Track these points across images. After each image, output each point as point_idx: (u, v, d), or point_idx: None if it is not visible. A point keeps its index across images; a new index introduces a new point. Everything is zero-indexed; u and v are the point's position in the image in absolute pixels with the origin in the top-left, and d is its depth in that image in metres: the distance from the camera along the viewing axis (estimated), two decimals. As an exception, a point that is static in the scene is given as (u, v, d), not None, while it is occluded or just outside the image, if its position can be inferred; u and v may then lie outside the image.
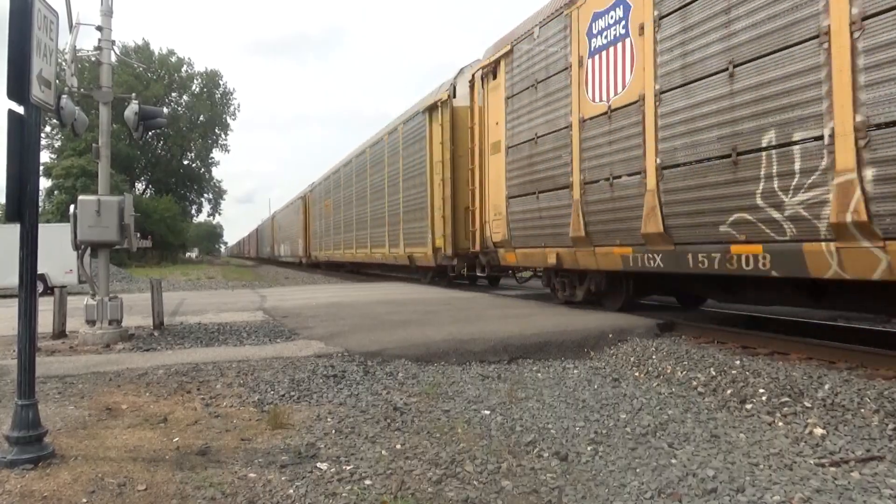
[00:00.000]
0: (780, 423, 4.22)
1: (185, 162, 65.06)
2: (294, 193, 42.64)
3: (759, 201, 5.97)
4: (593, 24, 8.33)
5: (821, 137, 5.39)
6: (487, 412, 4.56)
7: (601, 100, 8.18)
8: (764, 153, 5.91)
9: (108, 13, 7.70)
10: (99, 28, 7.67)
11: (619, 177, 7.84)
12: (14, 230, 3.71)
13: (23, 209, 3.44)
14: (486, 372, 5.92)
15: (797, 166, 5.63)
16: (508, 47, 10.54)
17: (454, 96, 13.73)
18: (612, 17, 7.98)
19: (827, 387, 4.68)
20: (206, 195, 69.33)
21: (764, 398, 4.69)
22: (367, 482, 3.26)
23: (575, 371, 6.01)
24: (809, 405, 4.43)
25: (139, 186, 59.75)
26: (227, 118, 65.40)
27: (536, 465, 3.54)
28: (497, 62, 10.99)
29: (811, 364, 5.54)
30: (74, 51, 7.47)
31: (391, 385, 5.30)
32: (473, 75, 12.16)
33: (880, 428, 3.94)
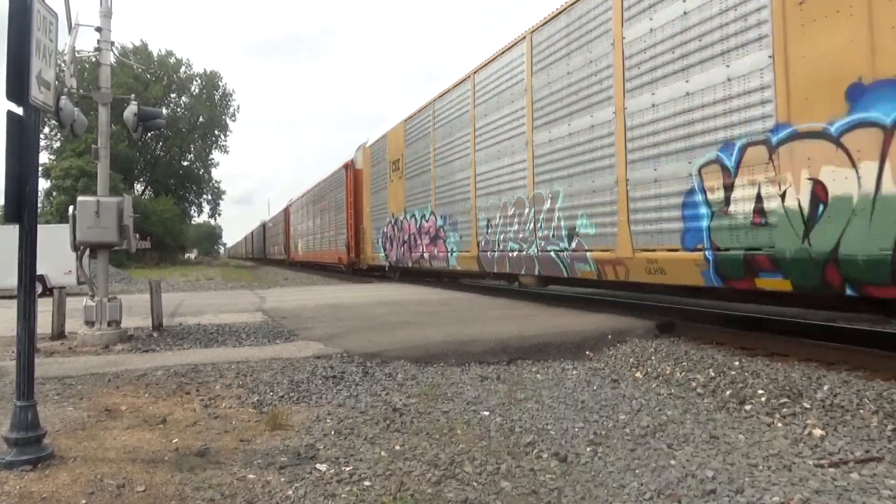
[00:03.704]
0: (780, 424, 4.22)
1: (185, 163, 65.03)
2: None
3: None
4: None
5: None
6: (486, 413, 4.56)
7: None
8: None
9: (107, 14, 7.71)
10: (98, 29, 7.68)
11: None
12: (13, 231, 3.71)
13: (22, 210, 3.44)
14: (486, 373, 5.92)
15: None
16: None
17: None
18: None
19: (826, 388, 4.68)
20: (205, 196, 69.33)
21: (763, 399, 4.69)
22: (367, 483, 3.26)
23: (574, 372, 6.01)
24: (808, 406, 4.43)
25: (138, 187, 59.67)
26: (227, 119, 65.44)
27: (536, 466, 3.55)
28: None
29: (810, 365, 5.54)
30: (74, 52, 7.47)
31: (390, 386, 5.30)
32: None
33: (879, 429, 3.94)
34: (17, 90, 3.44)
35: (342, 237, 23.66)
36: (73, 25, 7.29)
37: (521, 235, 9.98)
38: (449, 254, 13.15)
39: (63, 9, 7.09)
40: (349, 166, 22.69)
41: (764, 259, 5.64)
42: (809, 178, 5.19)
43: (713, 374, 5.40)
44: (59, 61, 4.13)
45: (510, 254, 10.27)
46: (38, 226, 3.64)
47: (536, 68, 9.55)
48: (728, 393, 4.95)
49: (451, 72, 13.35)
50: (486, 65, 11.23)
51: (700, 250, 6.45)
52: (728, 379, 5.22)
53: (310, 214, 31.87)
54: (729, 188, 6.08)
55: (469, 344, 6.63)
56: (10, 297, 13.17)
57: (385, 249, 18.01)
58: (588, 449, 3.81)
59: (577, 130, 8.55)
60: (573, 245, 8.69)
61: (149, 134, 10.33)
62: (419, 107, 14.91)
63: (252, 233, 75.84)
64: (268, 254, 56.09)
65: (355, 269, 23.36)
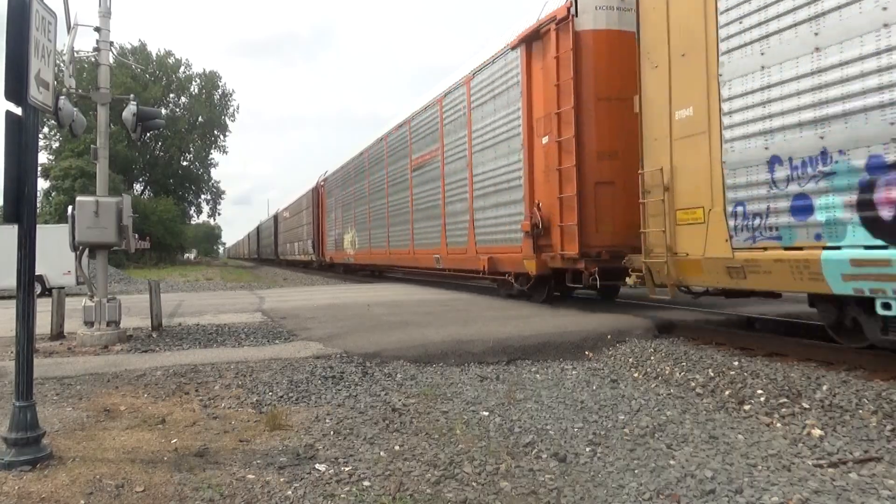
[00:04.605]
0: (779, 424, 4.22)
1: (184, 163, 65.03)
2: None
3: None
4: None
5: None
6: (486, 413, 4.56)
7: None
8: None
9: (106, 14, 7.71)
10: (97, 29, 7.68)
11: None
12: (12, 231, 3.71)
13: (21, 210, 3.44)
14: (485, 373, 5.92)
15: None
16: None
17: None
18: None
19: (825, 388, 4.69)
20: (204, 196, 69.33)
21: (762, 399, 4.69)
22: (366, 483, 3.26)
23: (573, 372, 6.01)
24: (807, 406, 4.44)
25: (137, 188, 59.68)
26: (227, 119, 65.44)
27: (535, 466, 3.54)
28: None
29: (809, 365, 5.55)
30: (73, 52, 7.47)
31: (389, 386, 5.30)
32: None
33: (878, 429, 3.95)
34: (16, 90, 3.44)
35: (514, 209, 10.27)
36: (71, 25, 7.28)
37: None
38: None
39: (62, 9, 7.09)
40: (559, 27, 9.02)
41: None
42: None
43: (712, 374, 5.40)
44: (57, 61, 4.14)
45: None
46: (37, 226, 3.63)
47: None
48: (727, 393, 4.96)
49: None
50: None
51: None
52: (727, 379, 5.23)
53: (375, 187, 18.87)
54: None
55: (468, 344, 6.63)
56: (10, 298, 13.17)
57: None
58: (587, 449, 3.81)
59: None
60: None
61: (148, 134, 10.34)
62: None
63: (258, 228, 63.09)
64: (281, 253, 42.48)
65: (610, 293, 10.79)
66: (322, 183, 27.72)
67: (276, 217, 46.00)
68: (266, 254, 53.33)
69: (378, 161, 18.78)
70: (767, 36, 5.71)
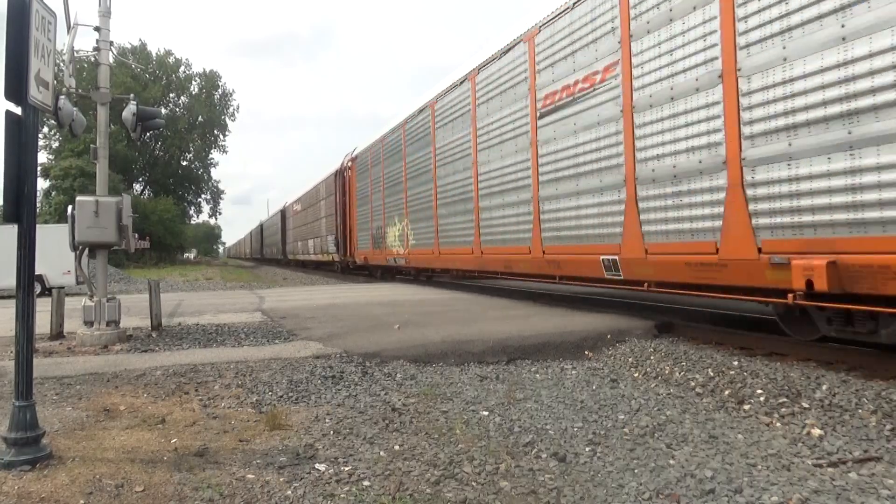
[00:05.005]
0: (778, 424, 4.23)
1: (184, 163, 65.02)
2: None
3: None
4: None
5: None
6: (486, 413, 4.56)
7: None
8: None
9: (106, 14, 7.71)
10: (97, 29, 7.68)
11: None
12: (12, 231, 3.71)
13: (20, 210, 3.44)
14: (485, 373, 5.92)
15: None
16: None
17: None
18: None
19: (825, 387, 4.69)
20: (203, 196, 69.30)
21: (762, 399, 4.69)
22: (366, 483, 3.26)
23: (573, 372, 6.01)
24: (807, 406, 4.44)
25: (137, 187, 59.65)
26: (227, 119, 65.43)
27: (535, 465, 3.55)
28: None
29: (809, 365, 5.55)
30: (72, 51, 7.47)
31: (389, 386, 5.30)
32: None
33: (878, 428, 3.95)
34: (16, 90, 3.44)
35: None
36: (71, 25, 7.28)
37: None
38: None
39: (62, 9, 7.09)
40: None
41: None
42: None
43: (712, 374, 5.41)
44: (57, 61, 4.14)
45: None
46: (37, 226, 3.64)
47: None
48: (727, 392, 4.96)
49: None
50: None
51: None
52: (727, 379, 5.23)
53: (448, 154, 12.69)
54: None
55: (468, 344, 6.63)
56: (10, 297, 13.17)
57: None
58: (587, 449, 3.81)
59: None
60: None
61: (148, 134, 10.41)
62: None
63: (261, 226, 58.47)
64: (290, 252, 37.07)
65: None
66: (350, 164, 21.32)
67: (283, 211, 39.48)
68: (271, 253, 46.82)
69: (458, 114, 12.37)
70: None
